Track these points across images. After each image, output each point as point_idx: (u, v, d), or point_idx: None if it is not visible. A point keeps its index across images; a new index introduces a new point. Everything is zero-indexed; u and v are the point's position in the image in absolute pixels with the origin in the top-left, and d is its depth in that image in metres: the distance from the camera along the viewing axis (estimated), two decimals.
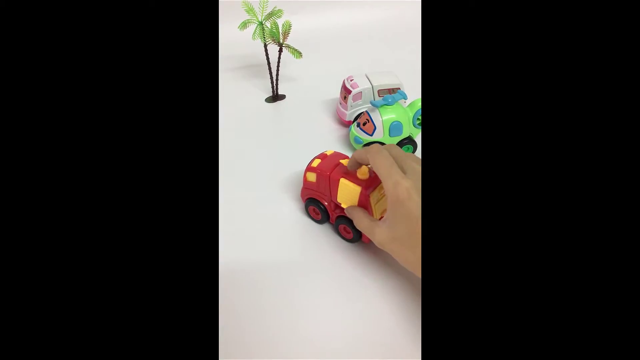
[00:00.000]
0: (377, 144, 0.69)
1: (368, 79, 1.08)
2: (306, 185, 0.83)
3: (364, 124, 0.98)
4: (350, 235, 0.79)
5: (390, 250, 0.62)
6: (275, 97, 1.27)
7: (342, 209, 0.78)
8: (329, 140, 1.10)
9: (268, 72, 1.23)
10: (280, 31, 1.13)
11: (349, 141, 1.06)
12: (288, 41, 1.15)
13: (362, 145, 0.98)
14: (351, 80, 1.08)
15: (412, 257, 0.58)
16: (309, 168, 0.80)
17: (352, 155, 0.71)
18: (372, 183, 0.73)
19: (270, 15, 1.12)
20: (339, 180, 0.75)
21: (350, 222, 0.76)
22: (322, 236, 0.83)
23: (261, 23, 1.12)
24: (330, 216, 0.81)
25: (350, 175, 0.74)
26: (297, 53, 1.16)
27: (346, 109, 1.09)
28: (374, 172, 0.72)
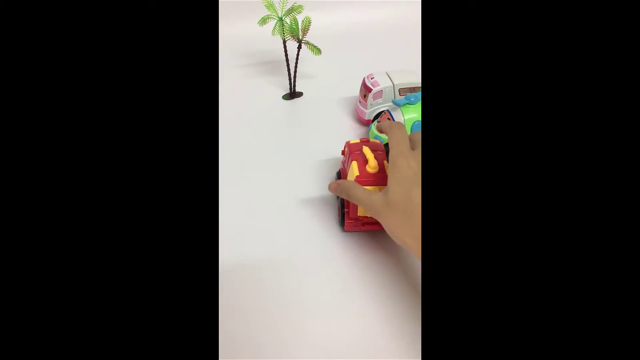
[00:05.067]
0: (401, 123, 0.71)
1: (389, 77, 1.05)
2: (343, 159, 0.85)
3: None
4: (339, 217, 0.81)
5: (384, 218, 0.61)
6: (293, 94, 1.25)
7: None
8: (347, 138, 1.06)
9: (286, 68, 1.21)
10: (300, 27, 1.12)
11: None
12: (307, 37, 1.13)
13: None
14: (372, 79, 1.05)
15: (405, 223, 0.57)
16: (347, 143, 0.82)
17: (377, 125, 0.77)
18: (372, 179, 0.72)
19: (290, 11, 1.10)
20: (352, 162, 0.75)
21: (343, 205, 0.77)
22: (323, 236, 0.81)
23: (281, 19, 1.11)
24: None
25: (363, 162, 0.74)
26: (317, 50, 1.14)
27: (366, 108, 1.07)
28: (381, 171, 0.73)
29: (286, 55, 1.18)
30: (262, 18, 1.11)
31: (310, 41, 1.14)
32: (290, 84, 1.23)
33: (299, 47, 1.15)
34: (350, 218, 0.76)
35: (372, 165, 0.72)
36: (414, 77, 1.06)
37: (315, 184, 0.93)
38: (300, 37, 1.13)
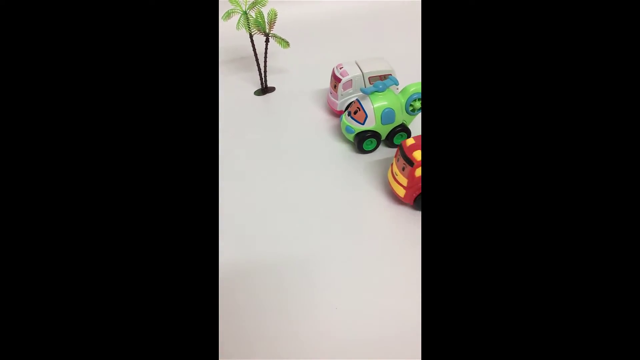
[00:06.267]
0: None
1: (358, 66, 1.05)
2: (414, 183, 0.79)
3: (355, 112, 0.95)
4: None
5: None
6: (265, 89, 1.23)
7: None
8: (321, 131, 1.08)
9: (256, 64, 1.20)
10: (266, 20, 1.10)
11: (340, 131, 1.03)
12: (274, 31, 1.11)
13: (354, 134, 0.95)
14: (340, 68, 1.05)
15: None
16: (418, 164, 0.76)
17: None
18: None
19: (255, 4, 1.08)
20: None
21: None
22: (320, 234, 0.82)
23: (245, 12, 1.09)
24: None
25: None
26: (284, 42, 1.13)
27: (337, 98, 1.06)
28: None
29: (254, 50, 1.17)
30: (226, 12, 1.09)
31: (278, 34, 1.12)
32: (261, 79, 1.22)
33: (267, 41, 1.13)
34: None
35: None
36: (384, 64, 1.05)
37: (293, 178, 0.94)
38: (267, 30, 1.11)
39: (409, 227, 0.81)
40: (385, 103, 0.93)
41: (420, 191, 0.79)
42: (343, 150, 1.00)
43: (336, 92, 1.06)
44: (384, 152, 0.99)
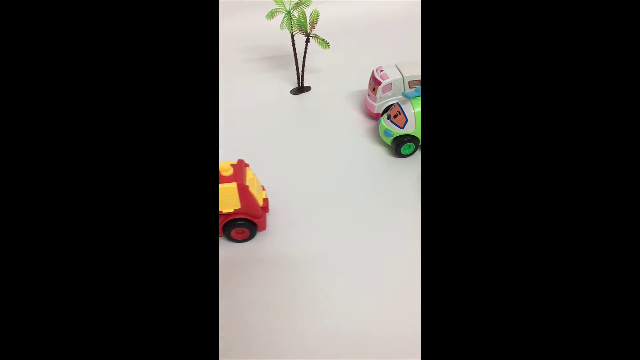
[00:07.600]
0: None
1: (398, 69, 1.04)
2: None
3: (395, 116, 0.94)
4: (247, 233, 0.77)
5: None
6: (301, 88, 1.24)
7: (226, 215, 0.74)
8: (356, 132, 1.06)
9: (294, 63, 1.21)
10: (308, 21, 1.11)
11: (377, 134, 1.02)
12: (315, 31, 1.12)
13: (392, 138, 0.95)
14: (380, 71, 1.04)
15: None
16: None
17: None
18: (239, 174, 0.72)
19: (298, 4, 1.09)
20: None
21: (244, 222, 0.74)
22: (321, 232, 0.81)
23: (289, 12, 1.10)
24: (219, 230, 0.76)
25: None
26: (325, 43, 1.13)
27: (375, 101, 1.06)
28: (235, 166, 0.73)
29: (294, 49, 1.17)
30: (270, 12, 1.10)
31: (319, 35, 1.13)
32: (298, 78, 1.23)
33: (307, 41, 1.14)
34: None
35: (225, 168, 0.71)
36: None
37: (322, 178, 0.93)
38: (308, 30, 1.12)
39: None
40: None
41: (226, 220, 0.74)
42: (379, 153, 0.99)
43: (375, 94, 1.05)
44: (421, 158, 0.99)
